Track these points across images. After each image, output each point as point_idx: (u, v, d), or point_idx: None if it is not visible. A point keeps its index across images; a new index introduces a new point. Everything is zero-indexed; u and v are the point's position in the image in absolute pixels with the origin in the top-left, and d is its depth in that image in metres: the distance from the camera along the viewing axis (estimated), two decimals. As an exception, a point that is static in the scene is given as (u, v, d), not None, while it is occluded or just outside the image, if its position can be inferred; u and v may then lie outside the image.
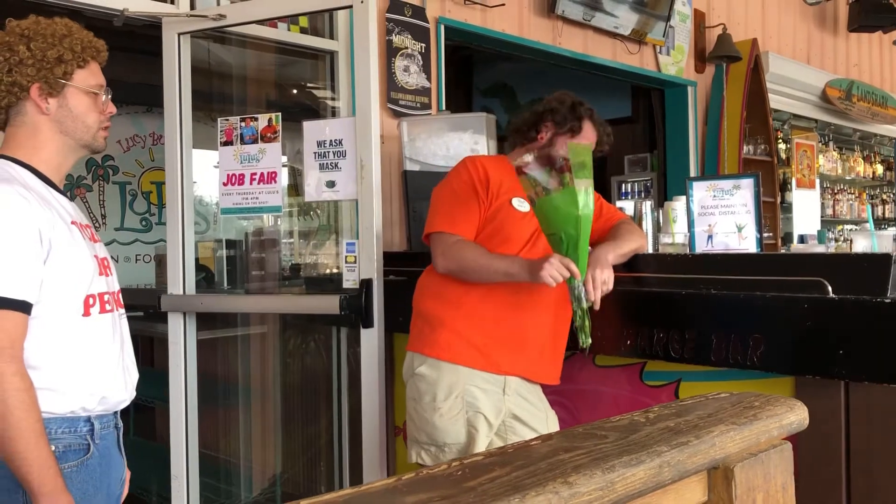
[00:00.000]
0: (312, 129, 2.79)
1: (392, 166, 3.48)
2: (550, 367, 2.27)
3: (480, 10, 4.00)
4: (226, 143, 2.90)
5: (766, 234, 4.97)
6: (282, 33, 3.45)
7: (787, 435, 0.90)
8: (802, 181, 6.05)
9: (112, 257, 1.76)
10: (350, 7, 2.70)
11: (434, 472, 0.67)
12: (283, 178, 2.91)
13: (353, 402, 3.09)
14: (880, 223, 7.69)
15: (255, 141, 2.86)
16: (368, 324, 2.61)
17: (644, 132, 6.28)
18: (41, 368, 1.50)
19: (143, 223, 6.15)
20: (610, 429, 0.81)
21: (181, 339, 2.93)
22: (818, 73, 6.48)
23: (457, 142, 3.29)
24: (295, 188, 3.72)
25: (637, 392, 2.34)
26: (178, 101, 2.92)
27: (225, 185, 2.90)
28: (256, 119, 2.86)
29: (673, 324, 2.14)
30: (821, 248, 3.73)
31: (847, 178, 7.41)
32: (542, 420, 2.26)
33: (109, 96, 1.69)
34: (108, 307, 1.63)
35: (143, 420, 3.94)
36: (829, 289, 1.92)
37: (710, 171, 5.38)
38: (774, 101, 5.92)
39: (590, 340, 2.03)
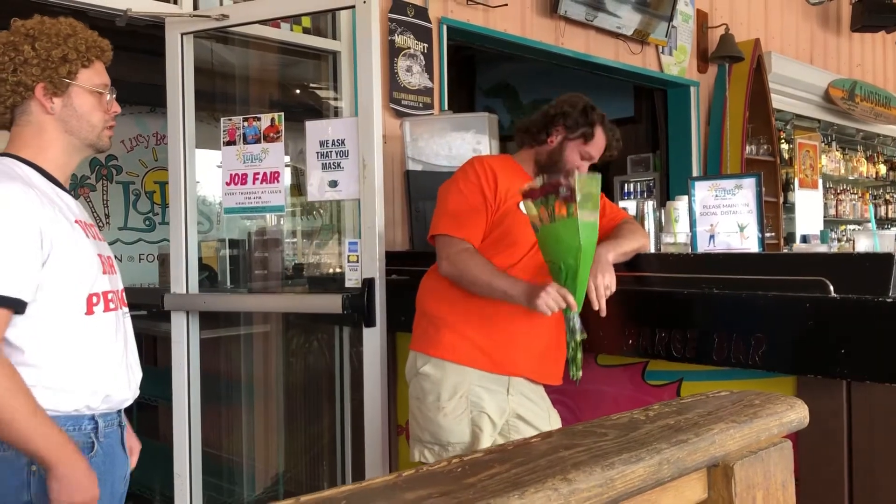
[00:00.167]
0: (315, 129, 2.79)
1: (394, 166, 3.48)
2: (553, 367, 2.27)
3: (483, 10, 4.00)
4: (229, 143, 2.91)
5: (768, 234, 4.97)
6: (284, 33, 3.46)
7: (787, 433, 0.90)
8: (805, 181, 6.05)
9: (115, 257, 1.77)
10: (353, 7, 2.70)
11: (434, 469, 0.68)
12: (286, 177, 2.92)
13: (356, 401, 3.10)
14: (883, 223, 7.67)
15: (257, 141, 2.86)
16: (371, 323, 2.61)
17: (646, 132, 6.27)
18: (45, 367, 1.51)
19: (147, 223, 6.16)
20: (610, 426, 0.81)
21: (184, 338, 2.93)
22: (821, 74, 6.47)
23: (459, 142, 3.30)
24: (297, 188, 3.73)
25: (639, 391, 2.34)
26: (181, 101, 2.92)
27: (228, 184, 2.90)
28: (259, 119, 2.87)
29: (675, 323, 2.14)
30: (823, 248, 3.73)
31: (850, 178, 7.40)
32: (545, 419, 2.27)
33: (114, 96, 1.69)
34: (111, 305, 1.64)
35: (147, 419, 3.94)
36: (832, 288, 1.92)
37: (713, 171, 5.38)
38: (777, 102, 5.91)
39: (580, 373, 2.01)
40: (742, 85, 5.37)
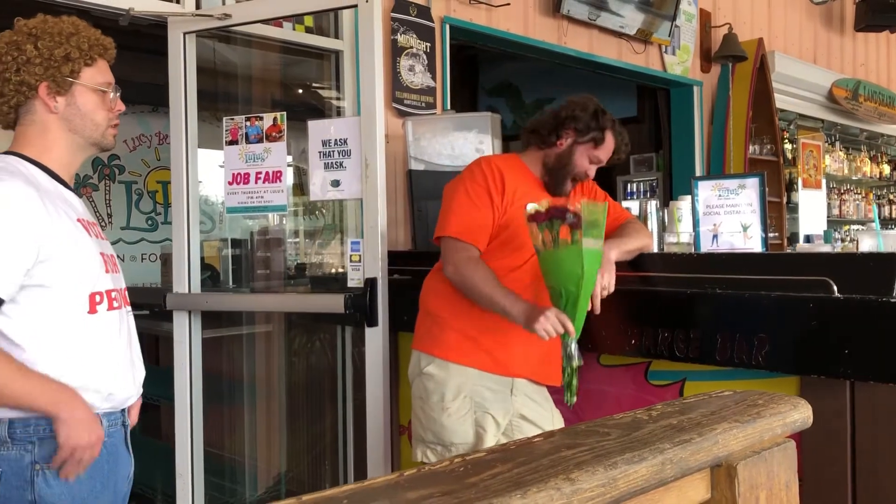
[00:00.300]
0: (317, 129, 2.79)
1: (397, 166, 3.48)
2: (556, 369, 2.26)
3: (486, 9, 4.00)
4: (231, 143, 2.91)
5: (771, 234, 4.96)
6: (287, 33, 3.46)
7: (790, 433, 0.90)
8: (808, 181, 6.03)
9: (118, 256, 1.77)
10: (355, 6, 2.70)
11: (436, 468, 0.67)
12: (289, 177, 2.92)
13: (358, 400, 3.10)
14: (887, 223, 7.66)
15: (260, 140, 2.86)
16: (373, 322, 2.61)
17: (649, 132, 6.27)
18: (47, 366, 1.51)
19: (149, 222, 6.17)
20: (612, 426, 0.81)
21: (186, 338, 2.94)
22: (825, 73, 6.45)
23: (462, 141, 3.30)
24: (300, 187, 3.73)
25: (642, 391, 2.33)
26: (184, 101, 2.92)
27: (230, 184, 2.90)
28: (261, 118, 2.87)
29: (678, 323, 2.14)
30: (826, 248, 3.72)
31: (853, 178, 7.38)
32: (549, 419, 2.27)
33: (118, 94, 1.69)
34: (115, 304, 1.64)
35: (148, 418, 3.94)
36: (835, 288, 1.91)
37: (716, 170, 5.37)
38: (780, 101, 5.90)
39: (575, 399, 2.00)
40: (745, 84, 5.37)
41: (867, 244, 2.66)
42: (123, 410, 1.70)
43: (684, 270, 2.27)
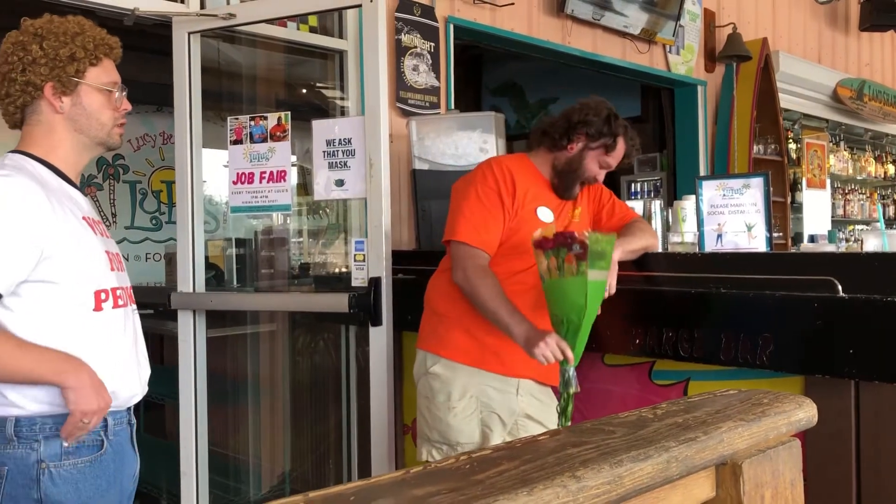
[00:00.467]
0: (322, 128, 2.80)
1: (401, 165, 3.48)
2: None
3: (490, 9, 4.00)
4: (235, 142, 2.91)
5: (775, 234, 4.95)
6: (291, 32, 3.46)
7: (795, 432, 0.90)
8: (813, 181, 6.02)
9: (122, 255, 1.78)
10: (359, 6, 2.70)
11: (442, 466, 0.68)
12: (293, 176, 2.92)
13: (362, 400, 3.10)
14: (891, 223, 7.64)
15: (264, 140, 2.87)
16: (377, 322, 2.61)
17: (654, 131, 6.26)
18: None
19: (154, 222, 6.18)
20: (618, 424, 0.81)
21: (191, 337, 2.94)
22: (829, 73, 6.44)
23: (466, 141, 3.30)
24: (304, 187, 3.74)
25: (646, 391, 2.33)
26: (188, 101, 2.93)
27: (235, 183, 2.91)
28: (266, 118, 2.87)
29: (682, 323, 2.13)
30: (831, 248, 3.72)
31: (858, 178, 7.37)
32: (553, 418, 2.26)
33: (124, 93, 1.70)
34: (120, 302, 1.64)
35: (153, 417, 3.96)
36: (840, 288, 1.91)
37: (720, 170, 5.37)
38: (785, 101, 5.89)
39: (569, 423, 2.00)
40: (750, 84, 5.36)
41: (872, 244, 2.66)
42: (129, 409, 1.71)
43: (688, 270, 2.27)
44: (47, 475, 1.51)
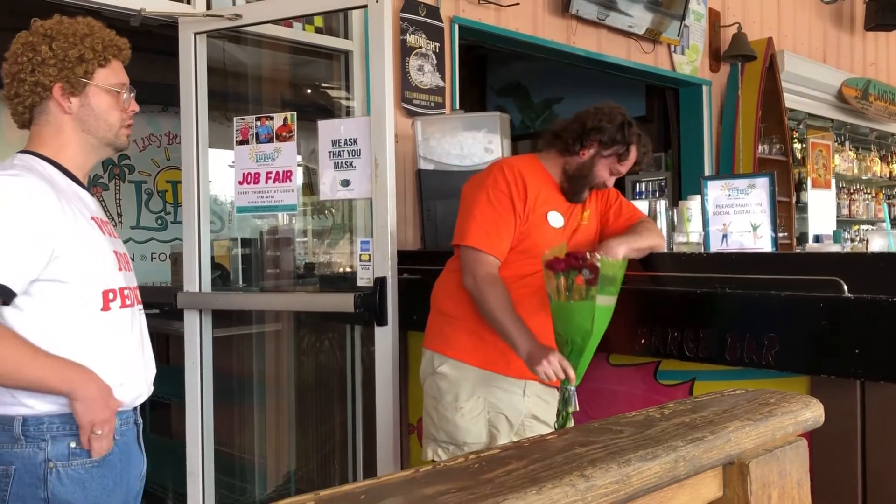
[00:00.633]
0: (327, 129, 2.80)
1: (406, 165, 3.49)
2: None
3: (494, 9, 4.01)
4: (241, 143, 2.92)
5: (781, 234, 4.94)
6: (297, 33, 3.47)
7: (802, 431, 0.90)
8: (818, 181, 6.02)
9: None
10: (365, 7, 2.71)
11: (451, 465, 0.68)
12: (298, 176, 2.93)
13: (367, 399, 3.10)
14: (897, 223, 7.62)
15: (270, 140, 2.87)
16: (382, 322, 2.62)
17: (659, 131, 6.25)
18: (61, 362, 1.52)
19: (159, 222, 6.20)
20: (625, 424, 0.81)
21: (197, 337, 2.95)
22: (834, 73, 6.43)
23: (471, 141, 3.30)
24: (310, 187, 3.74)
25: (651, 391, 2.33)
26: (195, 101, 2.94)
27: (240, 183, 2.91)
28: (272, 118, 2.88)
29: (687, 323, 2.14)
30: (836, 248, 3.71)
31: (863, 177, 7.35)
32: (559, 418, 2.27)
33: (132, 94, 1.70)
34: (127, 302, 1.65)
35: (159, 417, 3.96)
36: (845, 288, 1.91)
37: (725, 170, 5.36)
38: (790, 101, 5.88)
39: None
40: (755, 84, 5.35)
41: (877, 244, 2.66)
42: (135, 409, 1.71)
43: (694, 270, 2.27)
44: (55, 475, 1.51)
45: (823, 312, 1.89)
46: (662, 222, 2.90)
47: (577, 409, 1.99)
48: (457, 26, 3.85)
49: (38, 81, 1.58)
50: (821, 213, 6.00)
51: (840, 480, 1.89)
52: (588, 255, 1.89)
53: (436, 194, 3.20)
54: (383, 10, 2.63)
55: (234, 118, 2.95)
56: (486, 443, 2.19)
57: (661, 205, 2.99)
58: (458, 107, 3.84)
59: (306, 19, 3.46)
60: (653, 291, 2.29)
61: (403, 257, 2.77)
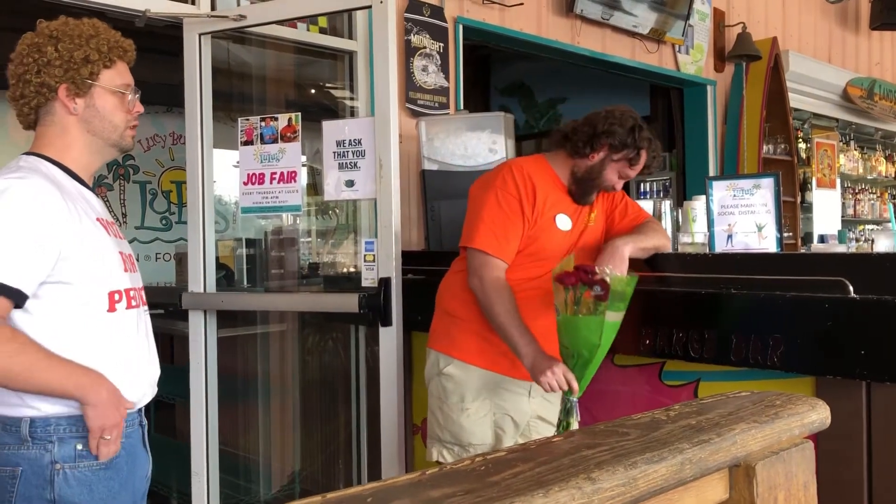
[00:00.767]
0: (332, 129, 2.80)
1: (410, 166, 3.49)
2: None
3: (499, 9, 4.00)
4: (246, 143, 2.92)
5: (785, 234, 4.94)
6: (301, 33, 3.47)
7: (808, 433, 0.90)
8: (823, 181, 6.00)
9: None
10: (369, 7, 2.71)
11: (458, 467, 0.68)
12: (303, 177, 2.93)
13: (372, 400, 3.11)
14: (902, 223, 7.59)
15: (274, 140, 2.88)
16: (387, 322, 2.62)
17: (663, 131, 6.24)
18: (68, 364, 1.52)
19: (164, 222, 6.21)
20: (632, 426, 0.81)
21: (202, 337, 2.95)
22: (839, 72, 6.42)
23: (475, 141, 3.30)
24: (314, 187, 3.75)
25: (656, 392, 2.33)
26: (199, 101, 2.94)
27: (245, 184, 2.92)
28: (276, 119, 2.88)
29: (692, 323, 2.13)
30: (841, 248, 3.71)
31: (868, 177, 7.34)
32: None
33: (137, 95, 1.71)
34: (133, 303, 1.65)
35: (164, 417, 3.97)
36: (851, 288, 1.90)
37: (730, 170, 5.35)
38: (795, 101, 5.87)
39: None
40: (759, 84, 5.34)
41: (883, 244, 2.65)
42: (140, 410, 1.71)
43: (699, 270, 2.27)
44: (61, 476, 1.51)
45: (829, 313, 1.88)
46: (667, 222, 2.90)
47: (579, 419, 1.98)
48: (461, 26, 3.85)
49: (44, 82, 1.59)
50: (826, 213, 5.98)
51: (846, 482, 1.89)
52: (597, 269, 1.88)
53: (440, 194, 3.20)
54: (387, 11, 2.63)
55: (239, 119, 2.96)
56: (491, 444, 2.19)
57: (666, 205, 2.98)
58: (462, 107, 3.84)
59: (310, 20, 3.47)
60: (658, 292, 2.28)
61: (408, 258, 2.77)
